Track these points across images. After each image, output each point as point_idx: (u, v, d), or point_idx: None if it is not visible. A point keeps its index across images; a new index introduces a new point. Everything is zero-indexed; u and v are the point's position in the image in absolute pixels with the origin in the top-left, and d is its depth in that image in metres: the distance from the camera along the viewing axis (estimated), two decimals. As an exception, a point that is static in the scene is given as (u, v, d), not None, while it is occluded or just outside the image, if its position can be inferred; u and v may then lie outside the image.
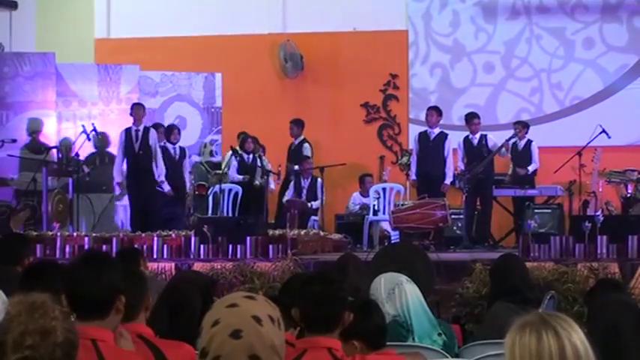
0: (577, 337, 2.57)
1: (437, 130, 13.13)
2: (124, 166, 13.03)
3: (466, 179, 12.74)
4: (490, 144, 13.15)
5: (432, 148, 13.00)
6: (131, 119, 13.09)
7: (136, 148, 12.97)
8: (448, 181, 12.93)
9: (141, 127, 13.06)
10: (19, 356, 2.35)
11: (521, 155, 13.35)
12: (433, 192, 12.49)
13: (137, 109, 13.17)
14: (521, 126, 13.56)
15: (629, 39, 15.55)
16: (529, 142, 13.44)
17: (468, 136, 13.22)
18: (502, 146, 13.00)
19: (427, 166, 12.97)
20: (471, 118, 13.31)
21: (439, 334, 5.43)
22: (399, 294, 5.38)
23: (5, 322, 2.39)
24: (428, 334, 5.39)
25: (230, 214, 13.59)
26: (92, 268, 3.47)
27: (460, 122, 14.02)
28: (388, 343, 4.56)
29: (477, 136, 13.20)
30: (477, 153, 13.01)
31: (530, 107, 15.75)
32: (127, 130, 13.09)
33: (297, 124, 14.39)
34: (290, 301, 3.88)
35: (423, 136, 13.19)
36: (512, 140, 13.20)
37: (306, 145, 14.39)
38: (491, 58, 15.94)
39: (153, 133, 13.17)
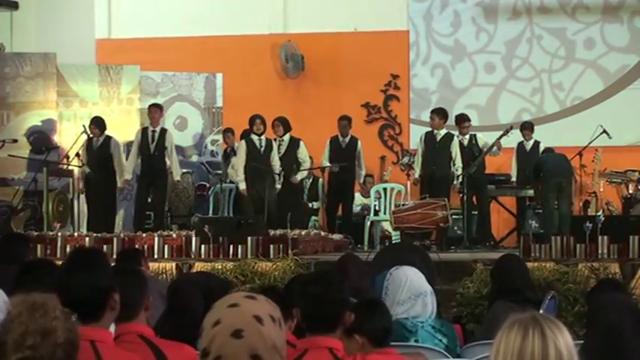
0: (564, 342, 2.57)
1: (443, 131, 13.07)
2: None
3: (463, 179, 12.71)
4: (480, 144, 13.14)
5: (438, 148, 12.93)
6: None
7: (152, 149, 13.02)
8: (457, 181, 12.90)
9: (157, 129, 13.11)
10: (20, 356, 2.35)
11: (529, 156, 13.30)
12: (437, 192, 12.43)
13: (154, 111, 13.20)
14: (529, 129, 13.54)
15: (630, 39, 15.55)
16: (537, 143, 13.41)
17: (457, 137, 13.19)
18: (493, 145, 12.98)
19: (432, 167, 12.91)
20: (462, 121, 13.29)
21: (440, 338, 5.41)
22: (422, 305, 5.30)
23: (6, 322, 2.39)
24: (430, 339, 5.38)
25: (231, 214, 13.60)
26: (80, 271, 3.45)
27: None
28: (390, 344, 4.56)
29: (467, 136, 13.20)
30: (468, 153, 12.99)
31: (531, 107, 15.76)
32: (144, 130, 13.15)
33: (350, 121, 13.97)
34: (292, 302, 3.89)
35: (429, 136, 13.09)
36: (504, 137, 13.12)
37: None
38: (492, 59, 15.95)
39: (169, 134, 13.22)
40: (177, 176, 13.25)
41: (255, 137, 12.76)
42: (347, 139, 13.60)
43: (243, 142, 12.94)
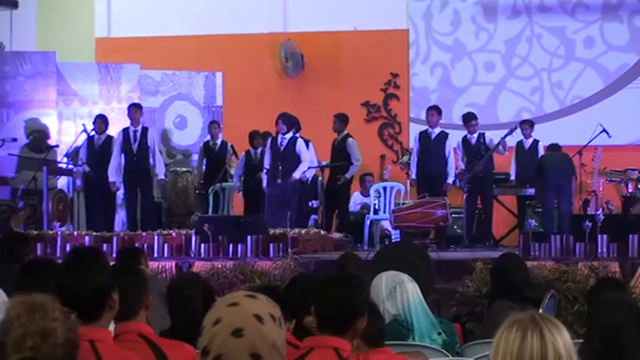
0: (562, 342, 2.58)
1: (437, 130, 13.11)
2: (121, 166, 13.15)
3: (466, 178, 12.74)
4: (488, 142, 13.14)
5: (432, 147, 12.98)
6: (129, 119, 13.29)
7: (134, 149, 13.07)
8: (450, 180, 12.93)
9: (139, 128, 13.18)
10: (20, 357, 2.35)
11: (528, 155, 13.30)
12: (434, 191, 12.48)
13: (134, 111, 13.26)
14: (528, 125, 13.53)
15: (630, 38, 15.55)
16: (536, 141, 13.41)
17: (466, 136, 13.23)
18: (499, 144, 12.98)
19: (428, 166, 12.96)
20: (469, 120, 13.28)
21: (439, 334, 5.44)
22: (400, 293, 5.39)
23: (5, 323, 2.39)
24: (427, 334, 5.40)
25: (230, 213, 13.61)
26: (79, 271, 3.45)
27: (461, 121, 14.01)
28: (389, 342, 4.58)
29: (475, 135, 13.20)
30: (475, 152, 13.01)
31: (530, 106, 15.75)
32: (125, 130, 13.20)
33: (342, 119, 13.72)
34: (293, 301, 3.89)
35: (423, 136, 13.17)
36: (509, 137, 13.14)
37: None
38: (491, 57, 15.94)
39: (151, 133, 13.28)
40: (160, 175, 13.30)
41: (279, 137, 12.76)
42: (339, 138, 13.57)
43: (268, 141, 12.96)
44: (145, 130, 13.25)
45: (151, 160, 13.17)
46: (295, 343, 3.74)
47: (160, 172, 13.30)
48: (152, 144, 13.20)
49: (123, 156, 13.14)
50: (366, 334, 4.12)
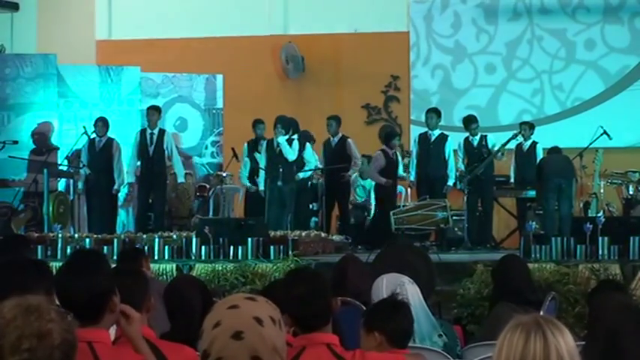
0: (565, 345, 2.59)
1: (437, 132, 13.12)
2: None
3: (467, 180, 12.73)
4: (490, 144, 13.13)
5: (432, 149, 12.99)
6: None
7: (151, 152, 13.06)
8: (451, 182, 12.93)
9: (155, 131, 13.16)
10: (17, 359, 2.35)
11: (526, 156, 13.30)
12: (434, 193, 12.49)
13: (151, 113, 13.24)
14: (528, 126, 13.53)
15: (631, 40, 15.56)
16: (534, 143, 13.41)
17: (468, 137, 13.23)
18: (498, 151, 12.95)
19: (428, 168, 12.96)
20: (470, 122, 13.26)
21: (439, 336, 5.43)
22: (401, 295, 5.38)
23: (1, 326, 2.38)
24: (428, 336, 5.39)
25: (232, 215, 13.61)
26: (80, 273, 3.43)
27: (461, 123, 14.00)
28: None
29: (477, 136, 13.20)
30: (477, 154, 13.00)
31: (531, 108, 15.76)
32: (142, 132, 13.18)
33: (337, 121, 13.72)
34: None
35: (423, 138, 13.18)
36: (511, 142, 13.14)
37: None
38: (492, 60, 15.95)
39: (168, 135, 13.25)
40: (180, 177, 13.33)
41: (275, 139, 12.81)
42: (336, 139, 13.59)
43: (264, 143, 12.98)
44: (161, 132, 13.24)
45: (167, 161, 13.18)
46: (292, 342, 3.74)
47: (180, 174, 13.33)
48: (169, 147, 13.18)
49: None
50: (391, 332, 4.14)
